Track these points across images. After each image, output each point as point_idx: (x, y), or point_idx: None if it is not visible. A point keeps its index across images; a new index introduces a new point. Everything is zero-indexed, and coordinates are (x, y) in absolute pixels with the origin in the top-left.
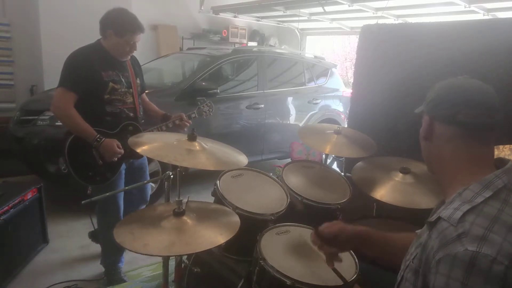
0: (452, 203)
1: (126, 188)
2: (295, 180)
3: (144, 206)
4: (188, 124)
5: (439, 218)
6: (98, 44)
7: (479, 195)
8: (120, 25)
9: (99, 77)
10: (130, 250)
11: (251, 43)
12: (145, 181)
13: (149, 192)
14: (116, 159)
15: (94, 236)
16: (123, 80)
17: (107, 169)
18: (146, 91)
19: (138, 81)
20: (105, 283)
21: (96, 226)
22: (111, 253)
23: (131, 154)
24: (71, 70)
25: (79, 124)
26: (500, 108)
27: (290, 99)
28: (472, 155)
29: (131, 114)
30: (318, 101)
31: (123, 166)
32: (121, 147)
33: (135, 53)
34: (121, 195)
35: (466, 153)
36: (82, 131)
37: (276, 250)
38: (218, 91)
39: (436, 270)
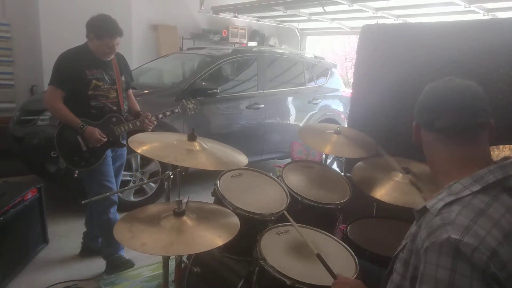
0: (440, 194)
1: (126, 188)
2: (295, 180)
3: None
4: (151, 125)
5: (425, 208)
6: (85, 46)
7: (467, 188)
8: (100, 30)
9: (83, 76)
10: (129, 248)
11: (251, 43)
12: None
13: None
14: (99, 145)
15: (85, 248)
16: (106, 77)
17: (92, 155)
18: (146, 91)
19: (123, 78)
20: (105, 283)
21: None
22: (111, 239)
23: (114, 143)
24: (59, 70)
25: (65, 115)
26: (488, 106)
27: (290, 99)
28: (461, 156)
29: (114, 108)
30: (318, 101)
31: (109, 153)
32: (103, 134)
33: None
34: (112, 179)
35: (454, 155)
36: (68, 121)
37: (276, 250)
38: (218, 91)
39: (425, 259)
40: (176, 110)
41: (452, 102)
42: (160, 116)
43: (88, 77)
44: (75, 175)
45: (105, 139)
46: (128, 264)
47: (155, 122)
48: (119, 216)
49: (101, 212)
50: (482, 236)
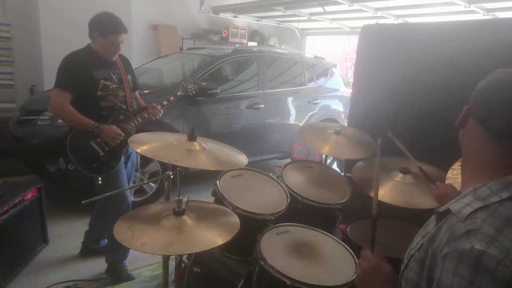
0: (465, 197)
1: (126, 188)
2: (295, 180)
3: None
4: (159, 113)
5: (448, 210)
6: (88, 47)
7: (495, 194)
8: (104, 27)
9: (90, 76)
10: (129, 248)
11: (251, 43)
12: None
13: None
14: (118, 141)
15: (85, 248)
16: (113, 77)
17: (110, 157)
18: (146, 91)
19: (129, 77)
20: (105, 283)
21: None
22: (119, 246)
23: (127, 141)
24: (64, 72)
25: (78, 117)
26: None
27: (290, 99)
28: (502, 161)
29: (124, 107)
30: (318, 101)
31: (123, 157)
32: (119, 131)
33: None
34: (126, 184)
35: (496, 157)
36: (81, 123)
37: (276, 250)
38: (218, 91)
39: (442, 265)
40: (179, 93)
41: None
42: (165, 102)
43: (95, 77)
44: (99, 182)
45: (123, 135)
46: (128, 278)
47: (162, 111)
48: None
49: (117, 216)
50: (507, 249)
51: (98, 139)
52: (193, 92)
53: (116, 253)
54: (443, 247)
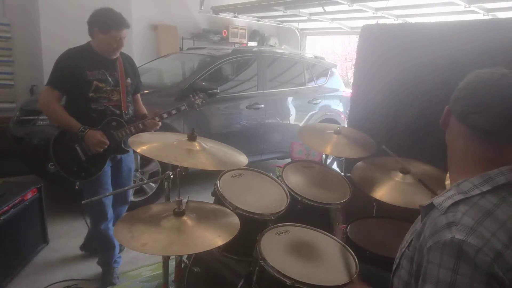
0: (448, 191)
1: (126, 188)
2: (295, 180)
3: (126, 207)
4: (156, 126)
5: (432, 205)
6: (87, 45)
7: (476, 188)
8: (105, 22)
9: (83, 76)
10: (129, 248)
11: (251, 43)
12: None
13: (130, 194)
14: (101, 150)
15: (85, 247)
16: (109, 78)
17: (91, 164)
18: (146, 91)
19: (129, 80)
20: (104, 283)
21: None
22: (103, 250)
23: (115, 149)
24: (58, 70)
25: (64, 118)
26: None
27: (290, 99)
28: (486, 157)
29: (117, 111)
30: (318, 101)
31: (109, 164)
32: (105, 137)
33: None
34: (109, 190)
35: (479, 154)
36: (67, 124)
37: (276, 250)
38: (218, 91)
39: (428, 258)
40: (183, 108)
41: (499, 102)
42: (165, 115)
43: (89, 78)
44: (76, 187)
45: (107, 144)
46: (109, 283)
47: (160, 123)
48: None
49: (93, 222)
50: (487, 238)
51: (83, 143)
52: (201, 107)
53: (100, 255)
54: (427, 240)
